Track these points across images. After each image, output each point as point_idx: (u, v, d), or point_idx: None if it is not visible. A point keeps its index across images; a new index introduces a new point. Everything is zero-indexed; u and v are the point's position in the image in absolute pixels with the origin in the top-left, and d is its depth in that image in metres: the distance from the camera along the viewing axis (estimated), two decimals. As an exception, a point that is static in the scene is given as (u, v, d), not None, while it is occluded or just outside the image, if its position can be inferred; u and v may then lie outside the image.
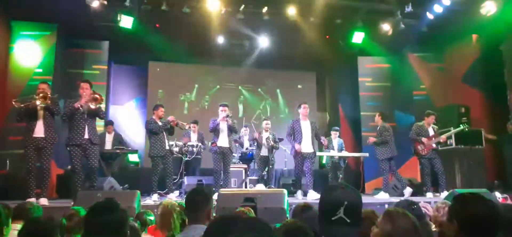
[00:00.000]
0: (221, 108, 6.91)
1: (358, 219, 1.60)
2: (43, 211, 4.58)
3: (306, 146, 6.87)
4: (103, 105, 6.53)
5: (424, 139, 7.16)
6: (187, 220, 2.67)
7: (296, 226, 1.84)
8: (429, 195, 6.98)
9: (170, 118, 6.67)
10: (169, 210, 2.84)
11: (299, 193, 6.90)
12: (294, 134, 6.91)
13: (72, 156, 5.64)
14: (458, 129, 7.45)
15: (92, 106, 5.61)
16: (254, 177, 8.12)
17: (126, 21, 8.13)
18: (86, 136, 5.63)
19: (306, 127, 6.93)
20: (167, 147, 6.63)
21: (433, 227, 2.64)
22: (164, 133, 6.61)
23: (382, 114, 7.74)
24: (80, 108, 5.57)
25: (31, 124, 5.49)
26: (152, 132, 6.53)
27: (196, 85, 11.26)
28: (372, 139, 7.61)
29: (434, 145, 7.15)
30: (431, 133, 7.26)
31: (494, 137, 8.34)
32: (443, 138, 7.28)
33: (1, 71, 7.73)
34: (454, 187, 7.32)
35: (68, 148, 5.66)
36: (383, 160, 7.34)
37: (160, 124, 6.56)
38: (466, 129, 7.45)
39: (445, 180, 7.09)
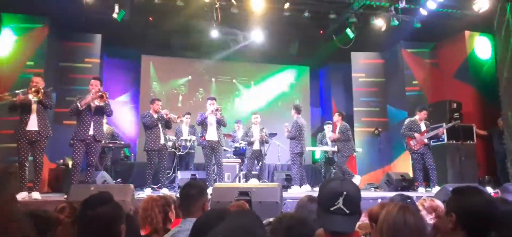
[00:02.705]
0: (209, 101, 6.93)
1: (357, 209, 1.61)
2: (34, 205, 4.57)
3: None
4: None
5: (416, 134, 7.23)
6: (181, 214, 2.67)
7: (298, 220, 1.84)
8: (421, 190, 7.04)
9: (164, 111, 6.65)
10: (151, 204, 2.84)
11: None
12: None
13: (74, 150, 5.65)
14: (449, 125, 7.51)
15: (97, 103, 5.64)
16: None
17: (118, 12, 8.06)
18: (91, 132, 5.65)
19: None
20: (163, 141, 6.61)
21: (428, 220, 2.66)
22: (160, 126, 6.60)
23: (342, 114, 8.08)
24: (83, 106, 5.61)
25: (24, 117, 5.44)
26: (146, 125, 6.54)
27: (190, 78, 11.23)
28: (334, 136, 7.95)
29: (426, 140, 7.21)
30: (423, 128, 7.32)
31: (485, 133, 8.43)
32: (441, 130, 7.33)
33: (-9, 64, 7.62)
34: (445, 182, 7.39)
35: (71, 141, 5.70)
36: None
37: (155, 116, 6.55)
38: (457, 125, 7.50)
39: (436, 175, 7.16)
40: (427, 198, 2.87)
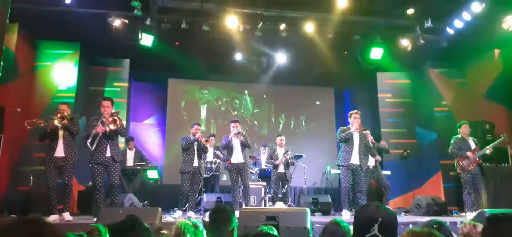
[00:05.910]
0: (232, 124, 6.95)
1: (393, 236, 1.57)
2: (66, 227, 4.65)
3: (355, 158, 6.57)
4: (124, 122, 6.63)
5: (468, 153, 6.75)
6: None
7: None
8: (467, 214, 6.58)
9: (198, 135, 6.74)
10: (183, 230, 2.83)
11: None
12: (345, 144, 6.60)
13: (94, 173, 5.72)
14: (499, 140, 7.09)
15: (112, 127, 5.69)
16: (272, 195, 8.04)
17: (146, 40, 8.26)
18: (108, 154, 5.73)
19: (356, 138, 6.65)
20: (196, 164, 6.73)
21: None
22: (195, 150, 6.73)
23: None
24: (99, 134, 5.65)
25: (52, 144, 5.62)
26: (182, 147, 6.78)
27: (217, 101, 11.34)
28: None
29: (478, 159, 6.79)
30: (473, 145, 6.86)
31: (520, 154, 8.08)
32: (489, 149, 6.80)
33: (26, 90, 7.93)
34: (480, 207, 7.08)
35: (90, 165, 5.75)
36: None
37: (192, 139, 6.69)
38: (506, 138, 7.07)
39: (479, 199, 6.83)
40: (470, 223, 2.73)
